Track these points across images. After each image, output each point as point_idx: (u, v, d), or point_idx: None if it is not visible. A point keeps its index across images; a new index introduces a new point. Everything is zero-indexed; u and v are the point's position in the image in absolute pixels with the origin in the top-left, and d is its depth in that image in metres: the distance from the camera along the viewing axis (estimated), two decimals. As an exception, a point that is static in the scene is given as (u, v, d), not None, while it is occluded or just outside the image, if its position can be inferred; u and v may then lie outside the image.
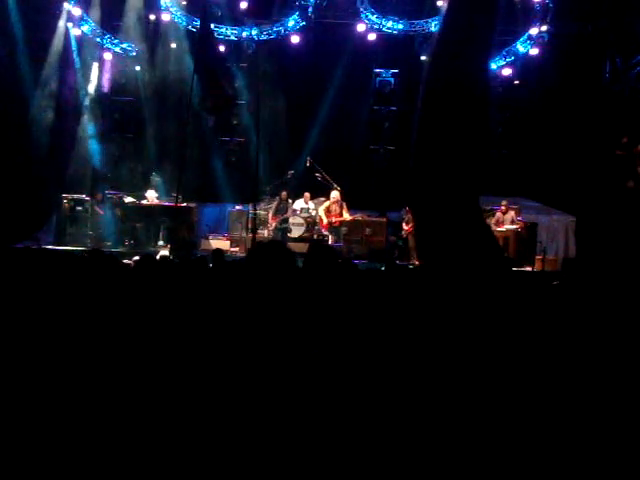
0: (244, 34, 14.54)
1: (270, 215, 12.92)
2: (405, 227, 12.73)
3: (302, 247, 11.70)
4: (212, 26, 11.42)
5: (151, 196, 13.31)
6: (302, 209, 12.78)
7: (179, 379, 2.19)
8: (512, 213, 12.64)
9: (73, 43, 14.15)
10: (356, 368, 1.52)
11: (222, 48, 14.83)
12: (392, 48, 14.84)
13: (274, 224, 12.76)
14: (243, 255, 12.02)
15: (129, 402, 2.10)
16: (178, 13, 14.25)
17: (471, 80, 0.86)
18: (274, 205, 12.92)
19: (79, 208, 13.01)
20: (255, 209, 11.66)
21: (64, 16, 13.90)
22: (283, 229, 12.63)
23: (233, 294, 2.81)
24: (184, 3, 14.30)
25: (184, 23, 14.31)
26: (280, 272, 2.68)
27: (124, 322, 2.66)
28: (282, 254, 2.73)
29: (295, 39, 14.49)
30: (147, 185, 13.77)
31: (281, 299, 2.69)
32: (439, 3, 14.24)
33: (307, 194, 12.93)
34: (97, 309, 2.71)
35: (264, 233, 12.79)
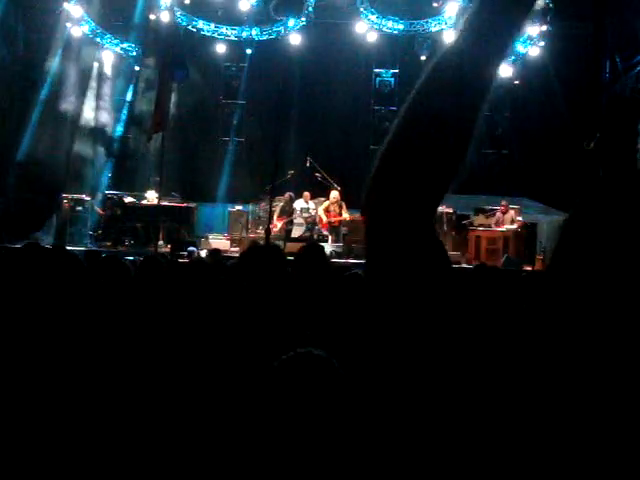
0: (244, 34, 14.54)
1: (275, 216, 12.64)
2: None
3: (302, 247, 11.68)
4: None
5: (151, 196, 13.30)
6: (302, 209, 12.73)
7: (179, 379, 2.19)
8: (512, 213, 12.56)
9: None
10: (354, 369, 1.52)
11: (222, 48, 14.86)
12: (392, 48, 14.86)
13: (279, 225, 12.57)
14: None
15: (132, 401, 2.10)
16: (178, 13, 14.23)
17: (473, 85, 0.81)
18: (279, 206, 12.72)
19: (79, 208, 13.00)
20: (255, 209, 11.60)
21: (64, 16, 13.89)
22: (289, 230, 12.56)
23: (229, 295, 2.81)
24: (187, 2, 14.28)
25: (184, 23, 14.29)
26: (272, 275, 2.68)
27: (123, 322, 2.67)
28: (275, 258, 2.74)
29: (295, 39, 14.49)
30: (147, 185, 13.76)
31: (273, 300, 2.69)
32: (435, 5, 14.29)
33: (307, 194, 12.87)
34: (97, 309, 2.71)
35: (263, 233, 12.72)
